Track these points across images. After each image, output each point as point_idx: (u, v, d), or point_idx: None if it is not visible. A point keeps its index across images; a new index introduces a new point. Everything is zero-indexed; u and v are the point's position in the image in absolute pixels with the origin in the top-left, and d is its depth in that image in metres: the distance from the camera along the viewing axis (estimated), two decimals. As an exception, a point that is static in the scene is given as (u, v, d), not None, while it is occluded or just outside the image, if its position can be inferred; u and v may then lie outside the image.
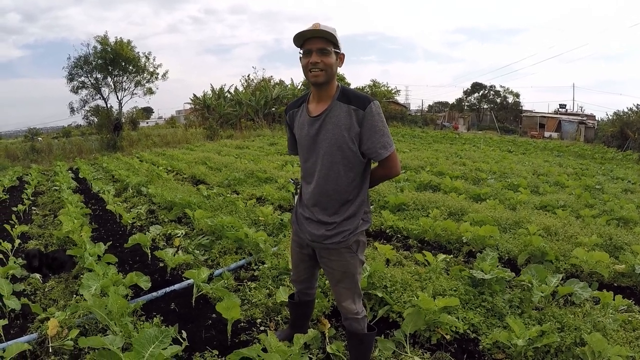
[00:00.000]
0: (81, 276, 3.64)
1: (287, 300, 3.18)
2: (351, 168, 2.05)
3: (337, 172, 2.05)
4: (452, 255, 4.56)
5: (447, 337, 2.88)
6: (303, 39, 1.98)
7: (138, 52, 21.08)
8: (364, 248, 2.25)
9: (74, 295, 3.53)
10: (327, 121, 2.02)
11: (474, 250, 4.72)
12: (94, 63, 20.21)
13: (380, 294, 3.23)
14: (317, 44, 1.95)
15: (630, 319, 3.16)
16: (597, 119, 36.45)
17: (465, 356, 2.76)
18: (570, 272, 4.13)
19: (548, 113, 40.66)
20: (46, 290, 3.76)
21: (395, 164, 2.10)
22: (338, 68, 2.05)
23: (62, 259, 4.22)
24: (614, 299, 3.20)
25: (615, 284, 3.95)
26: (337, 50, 2.01)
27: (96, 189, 8.60)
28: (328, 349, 2.70)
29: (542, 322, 3.00)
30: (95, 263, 3.60)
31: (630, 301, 3.41)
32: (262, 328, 3.08)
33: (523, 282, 3.52)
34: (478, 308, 3.27)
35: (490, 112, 45.58)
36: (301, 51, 2.01)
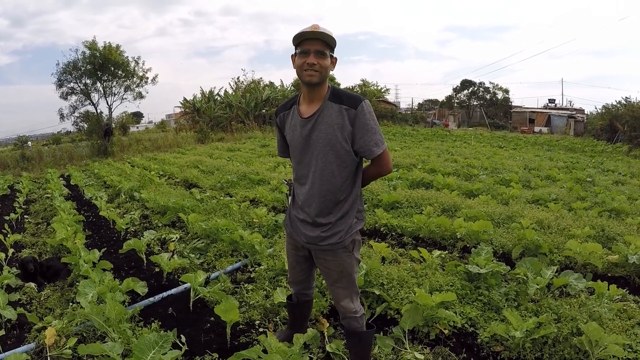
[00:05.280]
0: (77, 284, 3.62)
1: (284, 301, 3.19)
2: (345, 167, 2.07)
3: (331, 171, 2.06)
4: (446, 251, 4.59)
5: (446, 331, 2.90)
6: (301, 39, 1.99)
7: (127, 57, 20.88)
8: (360, 247, 2.26)
9: (70, 303, 3.50)
10: (320, 121, 2.04)
11: (468, 245, 4.76)
12: (82, 68, 19.94)
13: (377, 292, 3.25)
14: (316, 46, 1.97)
15: (625, 307, 3.20)
16: (586, 112, 36.82)
17: (464, 350, 2.78)
18: (565, 264, 4.18)
19: (537, 108, 41.02)
20: (42, 299, 3.72)
21: (387, 161, 2.12)
22: (330, 71, 2.06)
23: (56, 267, 4.18)
24: (608, 289, 3.23)
25: (609, 274, 4.00)
26: (332, 54, 2.04)
27: (88, 195, 8.53)
28: (328, 348, 2.71)
29: (538, 313, 3.03)
30: (91, 270, 3.57)
31: (624, 290, 3.45)
32: (260, 330, 3.07)
33: (518, 275, 3.56)
34: (475, 302, 3.30)
35: (480, 108, 45.85)
36: (297, 50, 2.02)
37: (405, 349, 2.74)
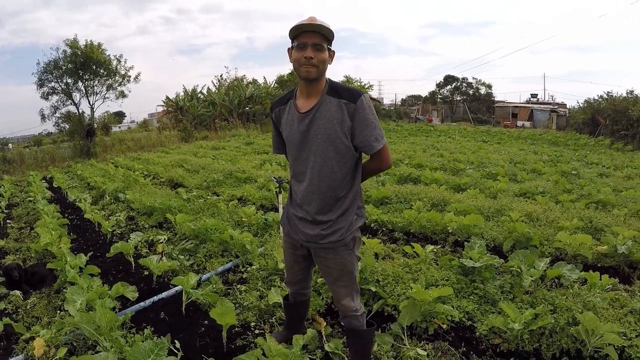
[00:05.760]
0: (63, 290, 3.50)
1: (279, 302, 3.15)
2: (345, 163, 2.02)
3: (331, 167, 2.01)
4: (439, 246, 4.60)
5: (444, 326, 2.90)
6: (298, 32, 1.92)
7: (109, 55, 20.41)
8: (360, 244, 2.22)
9: (58, 311, 3.37)
10: (318, 116, 1.98)
11: (459, 239, 4.78)
12: (64, 68, 19.40)
13: (373, 289, 3.23)
14: (313, 39, 1.90)
15: (617, 297, 3.25)
16: (568, 107, 37.30)
17: (463, 344, 2.78)
18: (555, 256, 4.22)
19: (520, 103, 41.45)
20: (28, 307, 3.57)
21: (387, 156, 2.09)
22: (328, 65, 2.00)
23: (42, 273, 4.03)
24: (600, 279, 3.28)
25: (599, 265, 4.07)
26: (330, 47, 1.97)
27: (72, 197, 8.32)
28: (326, 348, 2.67)
29: (534, 305, 3.06)
30: (78, 275, 3.46)
31: (615, 280, 3.51)
32: (256, 331, 3.01)
33: (512, 268, 3.58)
34: (471, 296, 3.31)
35: (463, 103, 46.24)
36: (294, 44, 1.95)
37: (405, 345, 2.72)
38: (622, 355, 2.58)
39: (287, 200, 2.29)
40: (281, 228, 4.78)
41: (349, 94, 1.96)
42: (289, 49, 2.00)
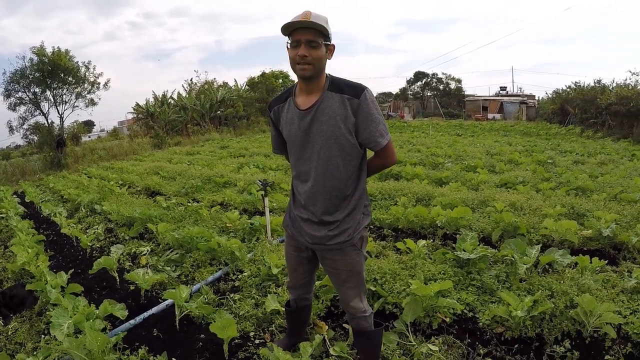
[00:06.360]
0: (45, 312, 3.31)
1: (277, 309, 3.07)
2: (350, 161, 1.95)
3: (336, 166, 1.94)
4: (429, 240, 4.60)
5: (447, 320, 2.89)
6: (291, 29, 1.84)
7: (77, 62, 19.77)
8: (367, 243, 2.16)
9: (42, 336, 3.14)
10: (320, 113, 1.90)
11: (448, 232, 4.81)
12: (31, 77, 18.73)
13: (372, 287, 3.19)
14: (306, 36, 1.82)
15: (607, 278, 3.35)
16: (536, 98, 38.30)
17: (467, 335, 2.78)
18: (543, 242, 4.30)
19: (490, 96, 42.30)
20: (10, 333, 3.32)
21: (392, 152, 2.04)
22: (327, 60, 1.92)
23: (21, 295, 3.79)
24: (591, 262, 3.35)
25: (585, 248, 4.16)
26: (328, 42, 1.89)
27: (46, 212, 7.96)
28: (332, 352, 2.60)
29: (531, 291, 3.09)
30: (61, 296, 3.25)
31: (603, 262, 3.57)
32: (257, 341, 2.90)
33: (506, 257, 3.61)
34: (469, 287, 3.32)
35: (434, 99, 46.82)
36: (289, 42, 1.87)
37: (410, 342, 2.68)
38: (619, 333, 2.65)
39: (290, 202, 2.21)
40: (269, 233, 4.76)
41: (352, 89, 1.89)
42: (287, 47, 1.91)
